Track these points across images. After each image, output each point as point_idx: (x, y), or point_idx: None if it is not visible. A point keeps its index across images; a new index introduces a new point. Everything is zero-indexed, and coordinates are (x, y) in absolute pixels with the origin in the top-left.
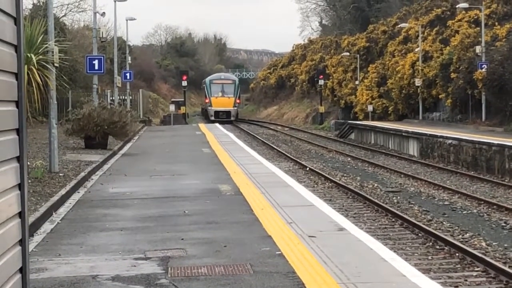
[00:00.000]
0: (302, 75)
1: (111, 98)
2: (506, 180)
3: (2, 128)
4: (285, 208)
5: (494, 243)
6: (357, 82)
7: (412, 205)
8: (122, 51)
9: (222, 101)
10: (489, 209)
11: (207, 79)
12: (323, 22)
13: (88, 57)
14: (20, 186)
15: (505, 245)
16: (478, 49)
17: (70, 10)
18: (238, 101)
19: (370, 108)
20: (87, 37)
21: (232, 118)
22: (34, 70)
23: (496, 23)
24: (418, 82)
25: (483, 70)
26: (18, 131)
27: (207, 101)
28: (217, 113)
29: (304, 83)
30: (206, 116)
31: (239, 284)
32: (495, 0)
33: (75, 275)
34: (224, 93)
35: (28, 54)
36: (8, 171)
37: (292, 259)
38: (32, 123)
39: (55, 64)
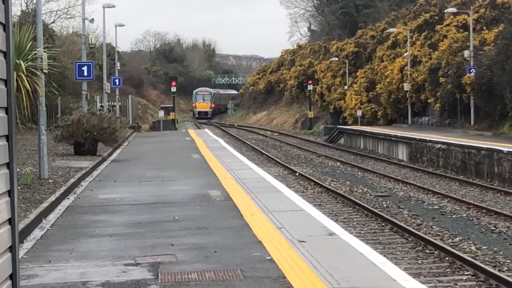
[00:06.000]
0: (291, 81)
1: (100, 104)
2: (495, 184)
3: None
4: (275, 213)
5: (483, 247)
6: (346, 87)
7: (402, 210)
8: (111, 57)
9: (202, 105)
10: (479, 213)
11: (194, 91)
12: (312, 27)
13: (77, 64)
14: (10, 193)
15: (495, 248)
16: (466, 53)
17: (59, 17)
18: (213, 105)
19: (359, 113)
20: (76, 43)
21: (209, 116)
22: (23, 77)
23: (484, 28)
24: (407, 86)
25: (472, 74)
26: (7, 138)
27: (193, 105)
28: (199, 112)
29: (293, 89)
30: (193, 115)
31: None
32: (483, 5)
33: (65, 281)
34: (204, 100)
35: (17, 61)
36: None
37: (282, 264)
38: (21, 129)
39: (44, 71)
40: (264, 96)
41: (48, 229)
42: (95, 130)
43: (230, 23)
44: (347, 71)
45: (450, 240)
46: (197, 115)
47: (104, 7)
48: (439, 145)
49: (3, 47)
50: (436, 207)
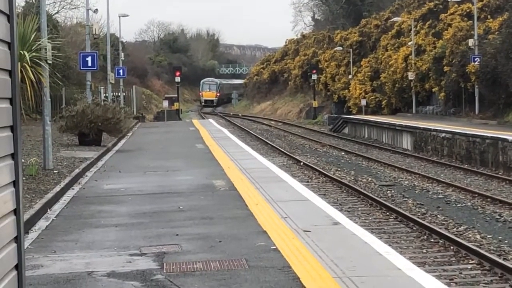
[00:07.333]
0: (295, 70)
1: (104, 94)
2: (500, 173)
3: None
4: (279, 203)
5: (488, 236)
6: (350, 77)
7: (406, 199)
8: (115, 48)
9: (209, 94)
10: (483, 202)
11: (201, 81)
12: (316, 16)
13: (81, 54)
14: (15, 183)
15: (500, 237)
16: (470, 42)
17: (63, 7)
18: (218, 94)
19: (363, 102)
20: (80, 34)
21: (214, 104)
22: (28, 67)
23: (489, 16)
24: (411, 75)
25: (476, 63)
26: (12, 129)
27: (200, 94)
28: (205, 101)
29: (297, 78)
30: (200, 103)
31: (235, 279)
32: None
33: (71, 271)
34: (210, 89)
35: (21, 52)
36: (2, 168)
37: (287, 254)
38: (26, 120)
39: (48, 61)
40: (268, 85)
41: (53, 219)
42: (99, 120)
43: (234, 13)
44: (351, 60)
45: (455, 229)
46: (203, 103)
47: None
48: (443, 134)
49: (7, 38)
50: (440, 196)
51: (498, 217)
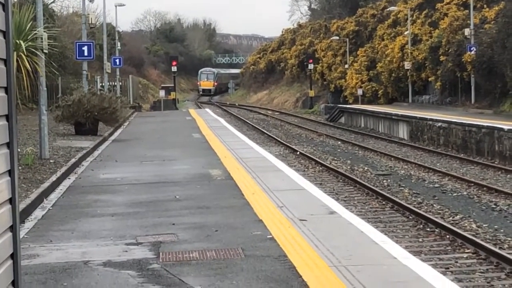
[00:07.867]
0: (292, 60)
1: (101, 84)
2: (496, 162)
3: None
4: (276, 192)
5: (484, 225)
6: (346, 66)
7: (403, 188)
8: (111, 37)
9: (206, 83)
10: (479, 191)
11: (199, 71)
12: (312, 6)
13: (77, 43)
14: (10, 172)
15: (495, 226)
16: (467, 31)
17: None
18: (215, 83)
19: (360, 91)
20: (76, 23)
21: (212, 93)
22: (24, 57)
23: (485, 6)
24: (407, 65)
25: (472, 52)
26: (7, 117)
27: (198, 83)
28: (203, 90)
29: (294, 68)
30: (198, 92)
31: (231, 268)
32: None
33: (67, 261)
34: (208, 79)
35: (17, 41)
36: None
37: (283, 243)
38: (22, 110)
39: (44, 51)
40: (265, 75)
41: (49, 209)
42: (95, 110)
43: (231, 2)
44: (347, 50)
45: (450, 218)
46: (201, 92)
47: None
48: (439, 124)
49: (2, 27)
50: (436, 185)
51: (494, 206)
